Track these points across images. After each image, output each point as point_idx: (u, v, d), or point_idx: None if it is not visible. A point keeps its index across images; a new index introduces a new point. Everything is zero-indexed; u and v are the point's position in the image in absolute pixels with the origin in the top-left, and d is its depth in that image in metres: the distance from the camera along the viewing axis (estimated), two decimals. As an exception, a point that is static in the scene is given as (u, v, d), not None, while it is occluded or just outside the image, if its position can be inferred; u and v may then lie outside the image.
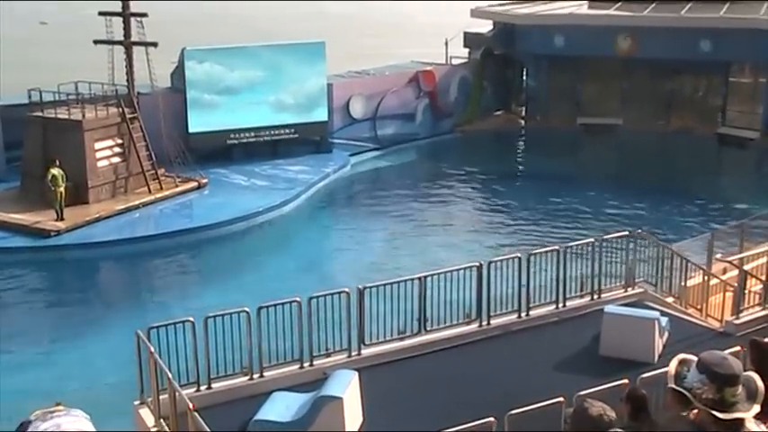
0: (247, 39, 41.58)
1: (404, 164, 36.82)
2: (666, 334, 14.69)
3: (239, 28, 66.62)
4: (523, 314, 15.99)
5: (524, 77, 43.18)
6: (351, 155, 35.78)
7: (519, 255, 16.13)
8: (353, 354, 14.64)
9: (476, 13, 42.88)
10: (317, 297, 14.18)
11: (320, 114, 35.40)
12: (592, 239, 16.75)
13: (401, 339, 15.15)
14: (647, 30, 38.26)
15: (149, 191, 30.10)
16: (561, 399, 10.95)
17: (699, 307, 16.63)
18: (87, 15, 34.64)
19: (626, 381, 11.14)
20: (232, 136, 34.26)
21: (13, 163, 30.91)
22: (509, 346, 15.38)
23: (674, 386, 5.02)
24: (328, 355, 14.52)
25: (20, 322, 23.13)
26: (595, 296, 16.54)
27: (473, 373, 14.34)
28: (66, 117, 29.47)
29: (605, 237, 17.01)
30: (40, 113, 29.72)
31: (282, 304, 13.97)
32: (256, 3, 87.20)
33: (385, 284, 14.90)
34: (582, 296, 16.57)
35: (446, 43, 40.60)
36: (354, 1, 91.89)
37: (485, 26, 42.61)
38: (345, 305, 14.34)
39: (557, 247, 16.36)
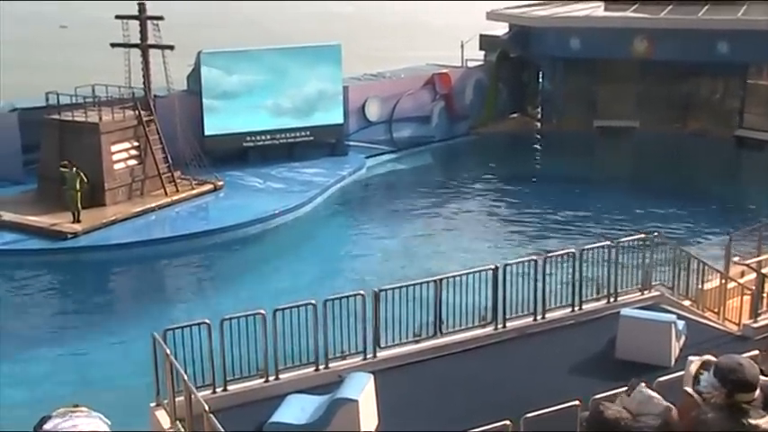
0: (262, 41, 41.62)
1: (419, 166, 36.79)
2: (683, 337, 14.62)
3: (253, 30, 66.74)
4: (539, 317, 15.96)
5: (540, 80, 43.10)
6: (366, 157, 35.78)
7: (535, 257, 16.11)
8: (369, 356, 14.63)
9: (491, 16, 42.84)
10: (333, 299, 14.19)
11: (336, 117, 35.42)
12: (608, 242, 16.69)
13: (417, 342, 15.13)
14: (664, 32, 38.12)
15: (165, 193, 30.18)
16: (577, 402, 10.90)
17: (716, 310, 16.56)
18: (105, 19, 34.74)
19: (635, 379, 11.08)
20: (248, 139, 34.33)
21: (30, 165, 31.02)
22: (525, 348, 15.34)
23: (687, 389, 4.98)
24: (344, 358, 14.52)
25: (36, 324, 23.24)
26: (611, 299, 16.48)
27: (488, 376, 14.31)
28: (83, 120, 29.59)
29: (622, 240, 16.96)
30: (57, 116, 29.86)
31: (298, 307, 13.98)
32: (270, 5, 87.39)
33: (400, 287, 14.89)
34: (598, 299, 16.52)
35: (462, 46, 40.58)
36: (370, 2, 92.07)
37: (500, 29, 42.55)
38: (361, 308, 14.33)
39: (573, 250, 16.32)
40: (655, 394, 6.03)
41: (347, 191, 33.07)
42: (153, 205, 29.46)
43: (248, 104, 34.09)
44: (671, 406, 5.62)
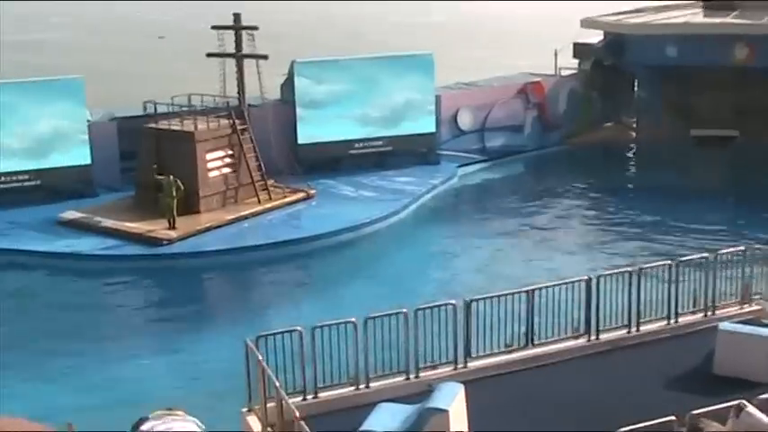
0: (355, 49, 41.90)
1: (512, 176, 36.50)
2: (786, 354, 14.18)
3: (346, 39, 67.26)
4: (633, 329, 15.68)
5: (635, 89, 42.41)
6: (458, 166, 35.65)
7: (629, 269, 15.83)
8: (459, 366, 14.57)
9: (586, 24, 42.32)
10: (424, 309, 14.17)
11: (428, 126, 35.41)
12: (706, 254, 16.30)
13: (508, 353, 15.01)
14: (766, 38, 37.13)
15: (258, 201, 30.51)
16: (673, 417, 10.65)
17: (820, 325, 16.02)
18: (201, 29, 35.43)
19: (742, 401, 10.78)
20: (340, 147, 34.52)
21: (127, 173, 31.72)
22: (618, 361, 15.08)
23: None
24: (434, 368, 14.49)
25: (131, 328, 23.71)
26: (709, 312, 16.11)
27: (581, 389, 14.09)
28: (179, 128, 30.15)
29: (720, 251, 16.54)
30: (154, 125, 30.49)
31: (389, 315, 13.99)
32: (365, 15, 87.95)
33: (492, 297, 14.79)
34: (695, 312, 16.16)
35: (555, 54, 40.19)
36: (462, 0, 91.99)
37: (595, 36, 42.02)
38: (452, 317, 14.28)
39: (668, 262, 15.98)
40: (765, 419, 5.85)
41: (439, 200, 32.99)
42: (246, 213, 29.82)
43: (340, 113, 34.28)
44: None
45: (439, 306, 14.38)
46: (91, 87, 32.84)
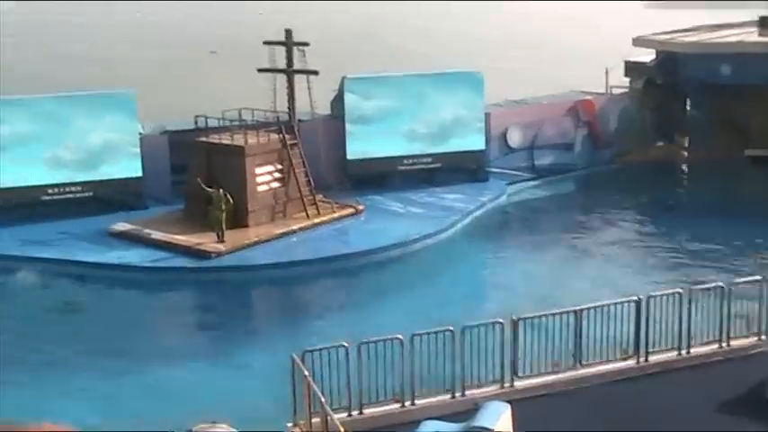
0: (404, 65, 41.95)
1: (561, 194, 36.25)
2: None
3: (398, 55, 67.42)
4: (684, 352, 15.46)
5: (688, 107, 41.96)
6: (507, 184, 35.50)
7: (680, 290, 15.61)
8: (506, 385, 14.45)
9: (638, 42, 41.99)
10: (471, 327, 14.07)
11: (477, 143, 35.33)
12: (759, 277, 16.03)
13: (555, 373, 14.86)
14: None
15: (307, 216, 30.59)
16: (725, 442, 10.46)
17: None
18: (253, 44, 35.71)
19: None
20: (389, 163, 34.55)
21: (178, 186, 32.00)
22: (668, 384, 14.87)
23: None
24: (480, 386, 14.38)
25: (178, 340, 23.86)
26: (763, 336, 15.82)
27: (630, 411, 13.91)
28: (230, 143, 30.36)
29: (774, 274, 16.25)
30: (204, 139, 30.74)
31: (435, 333, 13.94)
32: (416, 30, 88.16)
33: (539, 316, 14.66)
34: (748, 336, 15.88)
35: (606, 72, 39.92)
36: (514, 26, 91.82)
37: (647, 55, 41.67)
38: (499, 336, 14.17)
39: (720, 284, 15.74)
40: None
41: (488, 217, 32.83)
42: (294, 227, 29.91)
43: (388, 129, 34.33)
44: None
45: (486, 324, 14.28)
46: (143, 100, 33.24)
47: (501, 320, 14.37)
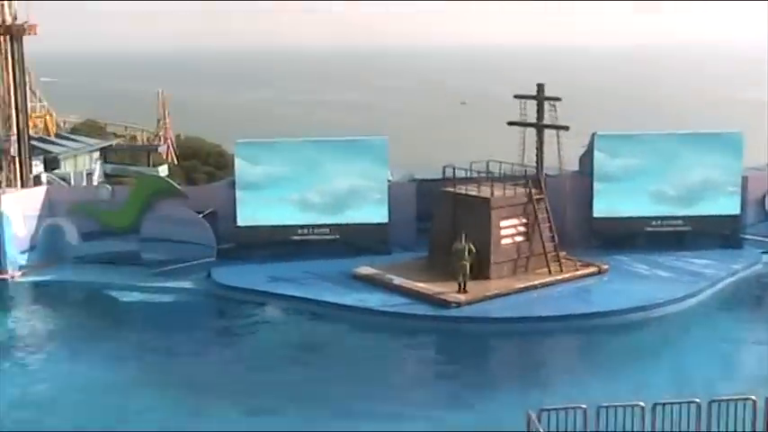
0: (658, 124, 40.88)
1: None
2: None
3: (651, 113, 65.94)
4: None
5: None
6: (763, 252, 33.68)
7: None
8: (755, 467, 13.53)
9: None
10: (719, 401, 13.31)
11: (730, 207, 33.82)
12: None
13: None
14: None
15: (549, 272, 30.22)
16: None
17: None
18: (502, 97, 35.92)
19: None
20: (637, 224, 33.69)
21: (423, 233, 32.46)
22: None
23: None
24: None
25: (412, 385, 23.94)
26: None
27: None
28: (476, 194, 30.54)
29: None
30: (452, 188, 31.07)
31: (680, 403, 13.27)
32: (679, 89, 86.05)
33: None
34: None
35: None
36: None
37: None
38: (750, 413, 13.32)
39: None
40: None
41: (739, 287, 31.20)
42: (536, 283, 29.60)
43: (636, 188, 33.62)
44: None
45: (735, 400, 13.47)
46: (394, 148, 34.03)
47: (753, 397, 13.51)
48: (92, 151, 48.26)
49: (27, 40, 34.98)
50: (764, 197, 34.60)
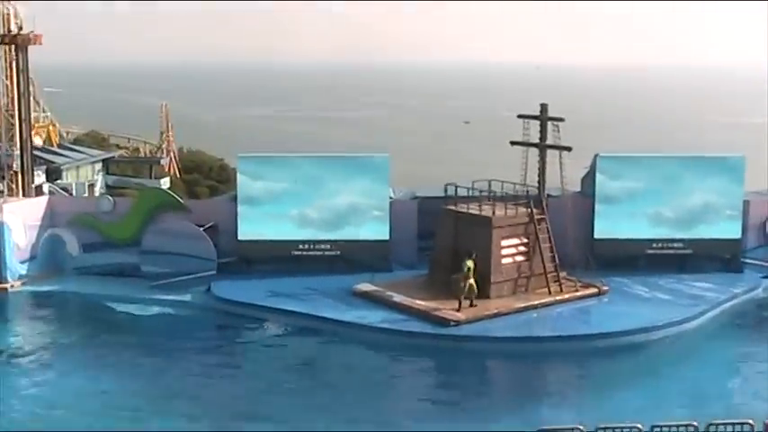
0: (662, 146, 40.90)
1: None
2: None
3: (656, 136, 66.00)
4: None
5: None
6: (763, 277, 33.63)
7: None
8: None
9: None
10: (717, 424, 13.30)
11: (731, 231, 33.81)
12: None
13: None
14: None
15: (549, 292, 30.19)
16: None
17: None
18: (506, 117, 35.97)
19: None
20: (637, 246, 33.68)
21: (423, 251, 32.46)
22: None
23: None
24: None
25: (407, 402, 23.90)
26: None
27: None
28: (477, 213, 30.54)
29: None
30: (453, 207, 31.08)
31: (678, 426, 13.26)
32: (679, 113, 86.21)
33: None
34: None
35: None
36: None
37: None
38: (749, 438, 13.31)
39: None
40: None
41: (739, 310, 31.14)
42: (536, 302, 29.58)
43: (636, 211, 33.62)
44: None
45: (734, 423, 13.46)
46: (395, 165, 34.04)
47: (751, 421, 13.50)
48: (94, 162, 48.36)
49: (32, 50, 35.08)
50: (765, 222, 34.57)
